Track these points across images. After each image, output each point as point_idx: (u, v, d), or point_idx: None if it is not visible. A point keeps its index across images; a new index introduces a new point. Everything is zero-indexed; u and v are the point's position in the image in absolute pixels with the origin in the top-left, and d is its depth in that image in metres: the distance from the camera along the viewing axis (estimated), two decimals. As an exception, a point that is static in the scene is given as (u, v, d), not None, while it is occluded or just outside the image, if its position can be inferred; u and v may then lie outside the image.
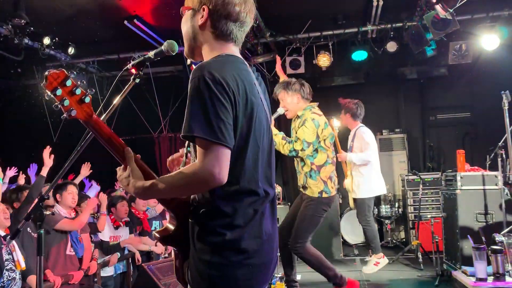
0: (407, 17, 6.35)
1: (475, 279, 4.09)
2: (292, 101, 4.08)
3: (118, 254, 5.37)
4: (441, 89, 8.34)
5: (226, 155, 1.50)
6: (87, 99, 1.58)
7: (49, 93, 1.53)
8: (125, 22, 6.22)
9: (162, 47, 1.89)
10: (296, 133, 4.02)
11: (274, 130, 3.54)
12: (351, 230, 8.09)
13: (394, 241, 7.86)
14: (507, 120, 3.49)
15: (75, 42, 6.88)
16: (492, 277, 3.91)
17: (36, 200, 2.18)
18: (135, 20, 6.25)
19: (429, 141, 8.53)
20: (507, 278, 3.86)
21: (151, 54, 1.92)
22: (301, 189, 4.15)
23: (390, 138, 8.38)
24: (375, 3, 6.04)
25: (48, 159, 4.37)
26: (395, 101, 8.61)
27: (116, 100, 1.97)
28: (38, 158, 4.78)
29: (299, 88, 4.06)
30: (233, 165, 1.55)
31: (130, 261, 5.55)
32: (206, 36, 1.71)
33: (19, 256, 3.69)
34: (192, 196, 1.68)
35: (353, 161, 5.39)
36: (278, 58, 4.58)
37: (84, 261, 4.75)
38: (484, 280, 3.97)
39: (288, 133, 4.28)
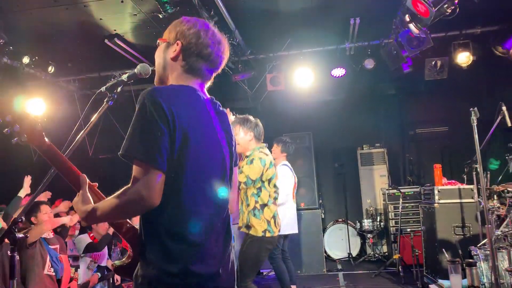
0: (383, 35, 6.50)
1: (451, 292, 4.14)
2: (245, 138, 4.16)
3: (98, 274, 5.31)
4: (419, 104, 8.53)
5: (157, 177, 1.49)
6: (38, 126, 1.63)
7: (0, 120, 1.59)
8: (106, 40, 6.24)
9: (135, 70, 1.94)
10: (242, 167, 4.05)
11: None
12: (335, 245, 8.14)
13: (377, 255, 7.91)
14: (476, 136, 3.59)
15: (55, 60, 6.86)
16: (468, 289, 3.98)
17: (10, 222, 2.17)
18: (115, 39, 6.28)
19: (409, 155, 8.67)
20: (482, 291, 3.94)
21: (124, 77, 1.96)
22: (243, 229, 4.10)
23: (370, 153, 8.50)
24: (352, 22, 6.19)
25: (28, 187, 4.39)
26: (375, 116, 8.75)
27: (91, 121, 2.00)
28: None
29: (253, 127, 4.17)
30: (170, 190, 1.53)
31: (111, 281, 5.49)
32: (175, 68, 1.77)
33: None
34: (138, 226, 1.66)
35: None
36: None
37: (63, 282, 4.69)
38: (460, 293, 4.03)
39: None
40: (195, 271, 1.54)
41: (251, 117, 4.27)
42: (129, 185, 1.51)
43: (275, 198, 4.10)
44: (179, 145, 1.54)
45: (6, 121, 1.59)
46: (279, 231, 4.07)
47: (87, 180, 1.69)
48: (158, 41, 1.85)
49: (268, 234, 3.94)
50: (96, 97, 2.02)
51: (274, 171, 4.11)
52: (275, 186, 4.13)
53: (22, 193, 4.54)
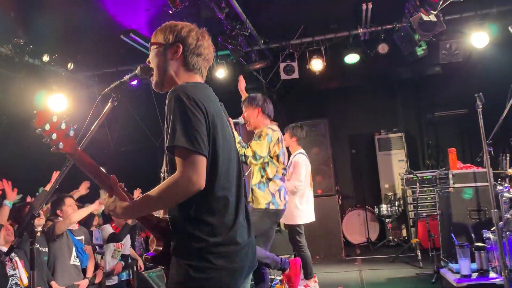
0: (396, 19, 6.43)
1: (459, 276, 4.16)
2: (253, 114, 4.22)
3: (122, 263, 5.53)
4: (437, 87, 8.39)
5: (202, 162, 1.68)
6: (71, 133, 1.75)
7: (38, 128, 1.69)
8: (121, 36, 6.38)
9: (136, 71, 2.04)
10: (250, 142, 4.09)
11: (234, 133, 3.61)
12: (354, 231, 8.19)
13: (396, 240, 7.93)
14: (481, 122, 3.57)
15: (74, 57, 7.05)
16: (477, 273, 3.98)
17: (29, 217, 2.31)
18: (131, 34, 6.40)
19: (427, 139, 8.58)
20: (491, 274, 3.93)
21: (127, 78, 2.07)
22: (250, 204, 4.17)
23: (388, 138, 8.46)
24: (364, 7, 6.14)
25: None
26: (391, 101, 8.69)
27: (97, 121, 2.09)
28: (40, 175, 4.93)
29: (261, 103, 4.22)
30: (208, 172, 1.71)
31: (135, 268, 5.71)
32: (177, 68, 1.94)
33: (21, 273, 3.85)
34: (170, 212, 1.83)
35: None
36: (240, 78, 4.65)
37: (88, 270, 4.92)
38: (468, 276, 4.03)
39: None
40: (236, 239, 1.79)
41: (259, 95, 4.34)
42: (177, 173, 1.67)
43: (283, 174, 4.14)
44: (212, 133, 1.74)
45: (45, 130, 1.69)
46: (284, 205, 4.10)
47: (117, 180, 1.82)
48: (150, 45, 2.00)
49: (272, 207, 4.00)
50: (101, 98, 2.12)
51: (281, 147, 4.12)
52: (283, 163, 4.15)
53: (48, 186, 4.71)
